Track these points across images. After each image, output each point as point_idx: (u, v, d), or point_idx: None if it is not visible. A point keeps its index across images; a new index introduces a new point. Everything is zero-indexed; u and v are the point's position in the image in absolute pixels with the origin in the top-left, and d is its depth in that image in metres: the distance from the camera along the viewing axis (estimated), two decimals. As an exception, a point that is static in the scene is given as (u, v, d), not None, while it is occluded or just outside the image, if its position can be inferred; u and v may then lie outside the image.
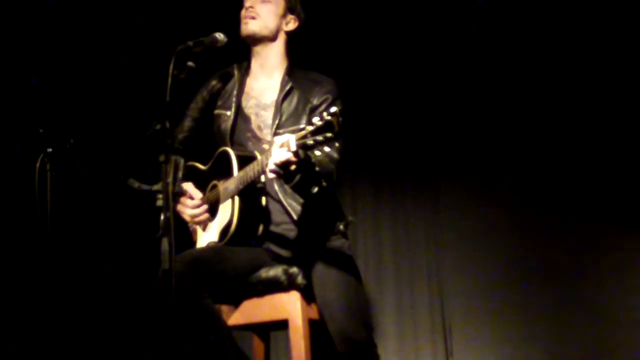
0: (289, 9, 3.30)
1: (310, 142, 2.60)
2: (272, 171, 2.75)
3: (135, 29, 4.82)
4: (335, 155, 3.07)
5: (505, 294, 4.86)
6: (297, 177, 2.83)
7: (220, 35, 2.91)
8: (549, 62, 4.88)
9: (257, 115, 3.29)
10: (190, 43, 2.75)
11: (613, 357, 4.63)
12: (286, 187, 3.03)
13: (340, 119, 2.58)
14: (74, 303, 4.42)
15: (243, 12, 3.28)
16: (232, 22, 3.30)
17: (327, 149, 2.62)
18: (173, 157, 2.46)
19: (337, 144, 3.07)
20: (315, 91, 3.24)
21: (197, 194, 3.26)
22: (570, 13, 4.81)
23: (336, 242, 3.20)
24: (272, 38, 3.31)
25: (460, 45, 5.00)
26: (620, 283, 4.71)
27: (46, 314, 3.50)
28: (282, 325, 3.11)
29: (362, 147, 5.00)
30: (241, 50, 3.37)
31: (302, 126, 3.12)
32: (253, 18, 3.25)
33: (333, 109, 2.59)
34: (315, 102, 3.22)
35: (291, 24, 3.31)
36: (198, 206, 3.24)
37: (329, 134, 2.57)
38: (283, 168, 2.74)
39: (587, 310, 4.72)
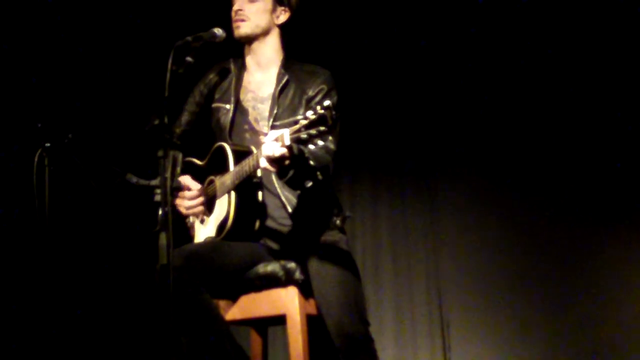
0: (278, 1, 3.28)
1: (304, 136, 2.60)
2: (266, 158, 2.75)
3: (134, 25, 4.82)
4: (331, 146, 3.07)
5: (503, 291, 4.87)
6: (291, 172, 2.84)
7: (219, 31, 2.92)
8: (549, 62, 4.88)
9: (254, 108, 3.29)
10: (189, 38, 2.75)
11: (610, 354, 4.64)
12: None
13: (334, 112, 2.58)
14: (71, 298, 4.43)
15: (233, 15, 3.26)
16: (229, 18, 3.30)
17: (320, 142, 2.62)
18: (171, 153, 2.46)
19: (332, 136, 3.07)
20: (311, 82, 3.24)
21: (195, 185, 3.25)
22: (570, 13, 4.81)
23: (333, 237, 3.19)
24: (265, 34, 3.30)
25: (460, 45, 5.00)
26: (617, 281, 4.73)
27: (44, 310, 3.50)
28: (279, 320, 3.11)
29: (361, 145, 5.00)
30: (239, 45, 3.37)
31: (299, 117, 3.13)
32: (243, 20, 3.23)
33: (326, 103, 2.59)
34: (310, 93, 3.22)
35: (282, 17, 3.30)
36: (195, 197, 3.23)
37: (322, 128, 2.57)
38: (277, 162, 2.75)
39: (584, 308, 4.73)
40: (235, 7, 3.25)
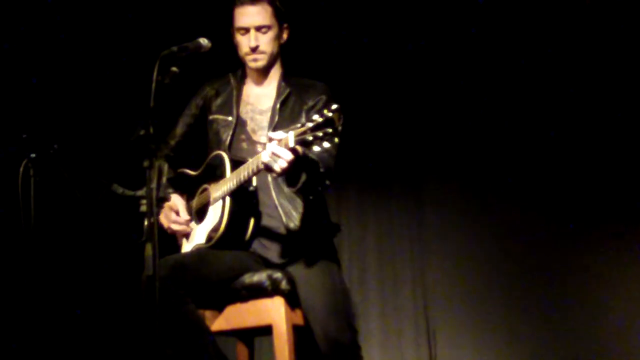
0: (281, 21, 3.30)
1: (309, 138, 2.61)
2: (269, 159, 2.76)
3: (120, 35, 4.82)
4: (333, 151, 3.09)
5: (489, 299, 4.88)
6: (303, 178, 2.86)
7: (204, 41, 2.91)
8: (546, 64, 4.88)
9: (251, 119, 3.32)
10: (175, 48, 2.74)
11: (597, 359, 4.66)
12: (283, 187, 3.07)
13: (342, 115, 2.60)
14: (57, 309, 4.41)
15: (246, 49, 3.26)
16: (216, 27, 3.31)
17: (327, 144, 2.62)
18: (157, 163, 2.45)
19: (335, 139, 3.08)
20: (310, 93, 3.29)
21: (184, 214, 3.27)
22: (571, 13, 4.81)
23: (322, 246, 3.21)
24: (276, 59, 3.35)
25: (457, 47, 4.99)
26: (604, 286, 4.74)
27: (30, 319, 3.49)
28: (266, 330, 3.11)
29: (347, 152, 4.98)
30: (228, 55, 3.38)
31: (298, 126, 3.16)
32: (261, 53, 3.27)
33: (334, 106, 2.61)
34: (310, 103, 3.27)
35: (285, 35, 3.36)
36: (180, 223, 3.27)
37: (329, 130, 2.59)
38: (286, 170, 2.76)
39: (571, 314, 4.74)
40: (251, 44, 3.24)
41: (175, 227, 3.28)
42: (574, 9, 4.81)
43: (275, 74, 3.37)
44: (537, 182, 4.88)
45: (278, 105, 3.28)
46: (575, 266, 4.78)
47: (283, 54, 3.39)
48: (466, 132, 5.00)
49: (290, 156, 2.73)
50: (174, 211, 3.29)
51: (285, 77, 3.36)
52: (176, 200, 3.31)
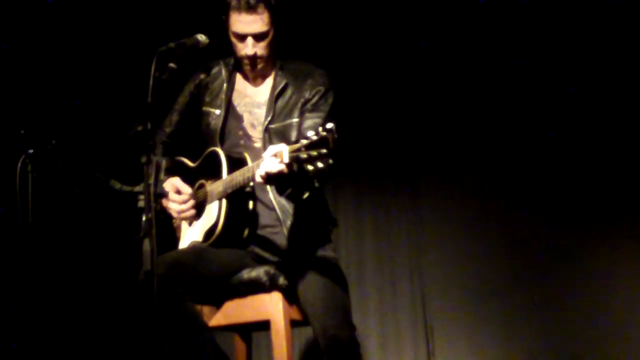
0: (276, 24, 3.22)
1: (303, 155, 2.59)
2: (262, 177, 2.76)
3: (117, 31, 4.81)
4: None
5: (487, 295, 4.87)
6: (289, 190, 2.85)
7: (201, 37, 2.91)
8: (546, 64, 4.87)
9: (250, 113, 3.29)
10: (172, 44, 2.74)
11: (593, 356, 4.66)
12: None
13: (336, 135, 2.58)
14: (54, 305, 4.41)
15: (243, 54, 3.22)
16: (213, 22, 3.30)
17: (320, 164, 2.58)
18: (155, 159, 2.46)
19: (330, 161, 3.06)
20: (308, 84, 3.25)
21: (186, 189, 3.22)
22: (571, 13, 4.80)
23: (321, 244, 3.20)
24: (272, 55, 3.30)
25: (457, 47, 4.99)
26: (601, 284, 4.73)
27: (24, 316, 3.49)
28: (263, 325, 3.12)
29: (345, 151, 4.98)
30: (224, 49, 3.37)
31: (294, 120, 3.15)
32: (259, 59, 3.23)
33: (329, 125, 2.58)
34: (307, 95, 3.23)
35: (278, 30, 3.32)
36: (185, 201, 3.21)
37: (323, 150, 2.57)
38: (274, 179, 2.75)
39: (568, 311, 4.74)
40: (248, 52, 3.19)
41: (181, 207, 3.18)
42: (573, 9, 4.80)
43: (271, 64, 3.32)
44: (536, 180, 4.87)
45: (274, 98, 3.25)
46: (575, 265, 4.78)
47: (280, 41, 3.33)
48: (465, 131, 4.99)
49: (284, 170, 2.70)
50: (175, 190, 3.21)
51: (281, 66, 3.32)
52: (176, 182, 3.23)
